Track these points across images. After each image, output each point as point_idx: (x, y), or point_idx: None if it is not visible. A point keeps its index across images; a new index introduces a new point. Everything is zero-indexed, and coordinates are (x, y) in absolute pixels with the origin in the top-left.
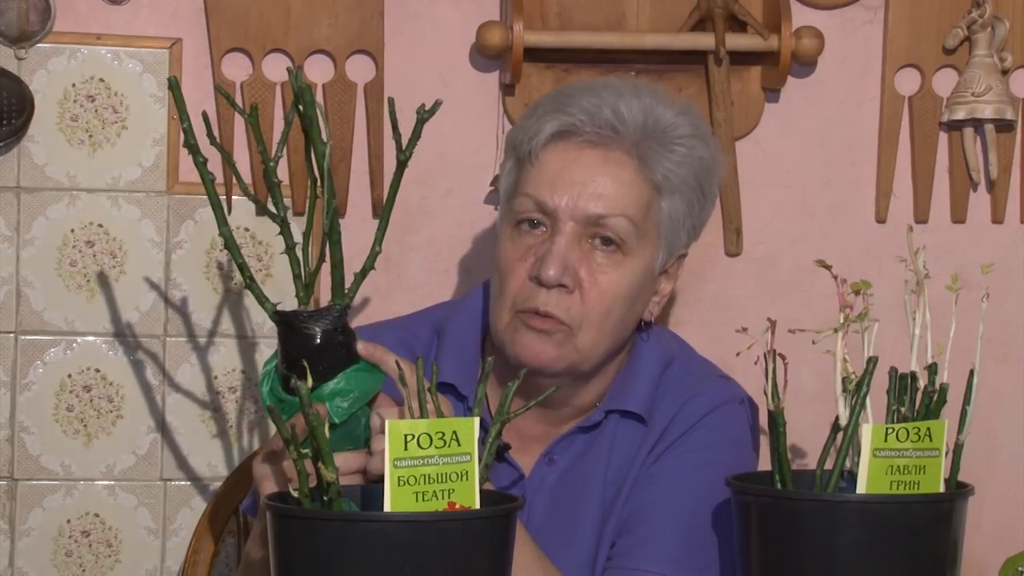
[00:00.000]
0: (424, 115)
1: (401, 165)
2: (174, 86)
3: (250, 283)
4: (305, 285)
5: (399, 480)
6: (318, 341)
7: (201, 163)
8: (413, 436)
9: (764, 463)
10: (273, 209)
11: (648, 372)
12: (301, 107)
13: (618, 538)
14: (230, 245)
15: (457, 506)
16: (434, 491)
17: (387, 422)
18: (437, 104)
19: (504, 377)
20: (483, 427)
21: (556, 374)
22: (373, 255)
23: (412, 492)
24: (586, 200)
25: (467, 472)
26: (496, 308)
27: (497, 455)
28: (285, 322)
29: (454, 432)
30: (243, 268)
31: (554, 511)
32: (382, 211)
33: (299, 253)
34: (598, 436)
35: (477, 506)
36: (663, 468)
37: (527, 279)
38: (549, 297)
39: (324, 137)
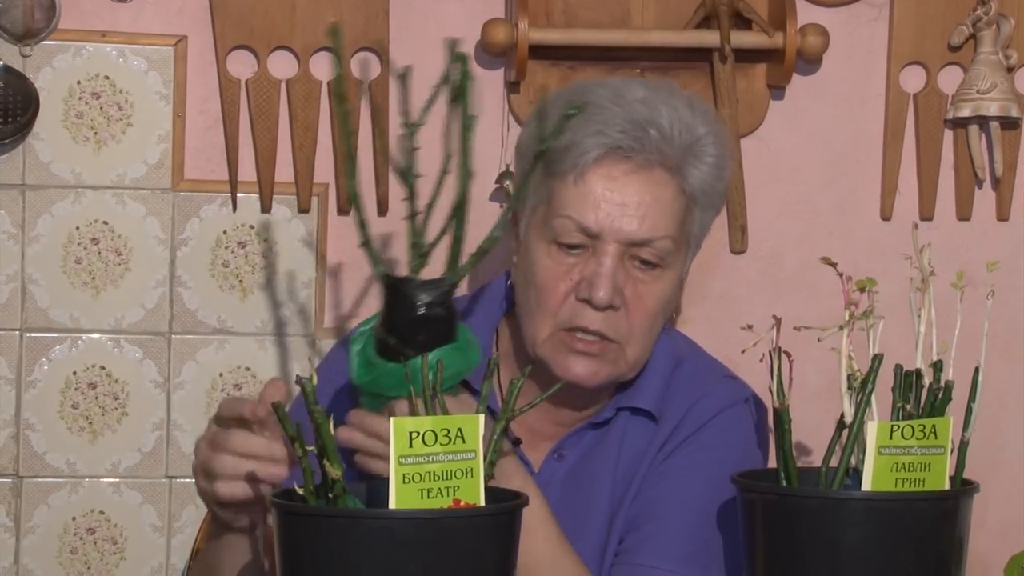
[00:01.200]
0: (571, 112)
1: (539, 155)
2: (335, 32)
3: (366, 243)
4: (421, 255)
5: (404, 477)
6: (422, 311)
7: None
8: (418, 433)
9: (770, 462)
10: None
11: (660, 371)
12: (456, 78)
13: (626, 534)
14: (355, 200)
15: (462, 503)
16: (439, 488)
17: (392, 420)
18: (581, 107)
19: (539, 381)
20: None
21: (600, 386)
22: (492, 239)
23: (417, 489)
24: (631, 223)
25: (472, 469)
26: (535, 322)
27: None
28: (393, 287)
29: (459, 429)
30: (363, 225)
31: (563, 506)
32: (512, 199)
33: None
34: (608, 432)
35: (482, 503)
36: (672, 466)
37: (572, 298)
38: (597, 317)
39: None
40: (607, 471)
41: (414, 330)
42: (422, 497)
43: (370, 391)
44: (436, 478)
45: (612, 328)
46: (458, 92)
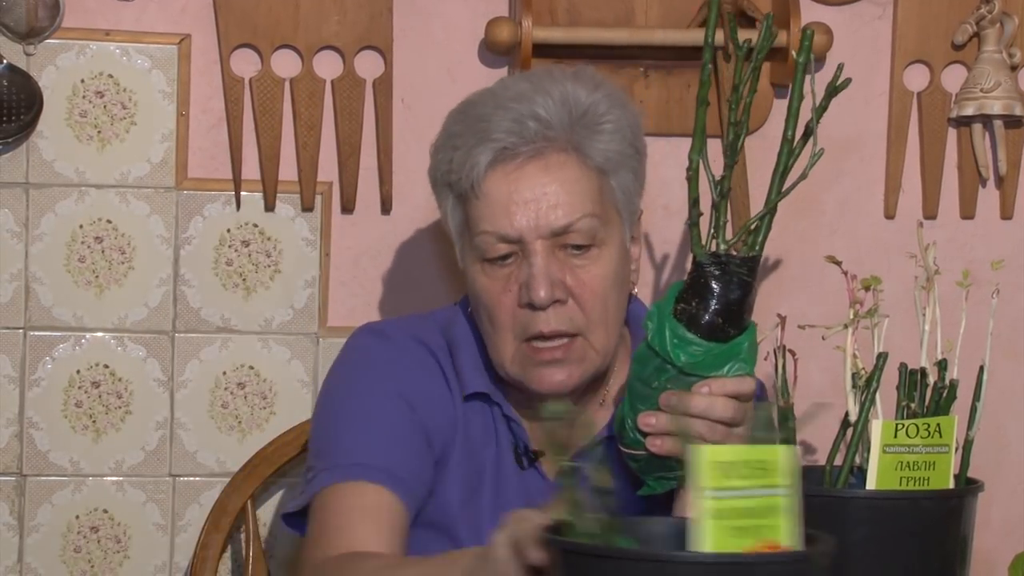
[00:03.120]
0: (837, 86)
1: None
2: None
3: (694, 223)
4: (751, 230)
5: (712, 513)
6: (748, 290)
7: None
8: (726, 465)
9: None
10: None
11: None
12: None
13: None
14: (693, 177)
15: (774, 546)
16: (745, 526)
17: (695, 448)
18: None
19: (528, 395)
20: (522, 444)
21: (578, 387)
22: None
23: (726, 527)
24: (545, 215)
25: (784, 506)
26: (495, 343)
27: (527, 461)
28: (723, 265)
29: (772, 461)
30: (695, 203)
31: None
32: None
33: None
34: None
35: (798, 546)
36: None
37: (518, 307)
38: (548, 316)
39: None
40: (623, 485)
41: (742, 309)
42: (729, 536)
43: (691, 372)
44: (744, 515)
45: (566, 322)
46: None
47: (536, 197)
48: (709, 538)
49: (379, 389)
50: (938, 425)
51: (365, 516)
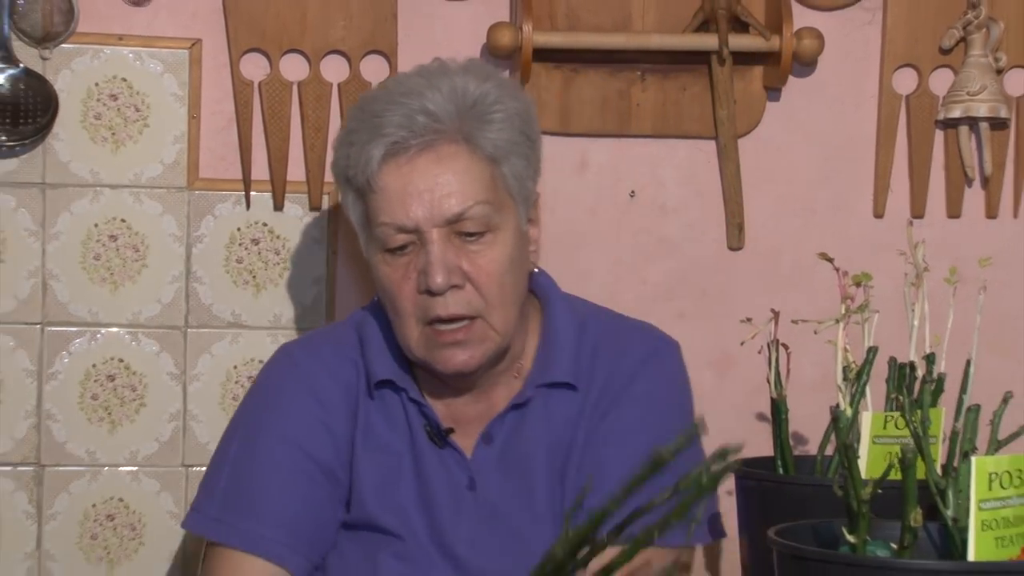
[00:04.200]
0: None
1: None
2: None
3: None
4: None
5: (983, 524)
6: None
7: None
8: (997, 475)
9: (767, 449)
10: None
11: (566, 340)
12: None
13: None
14: None
15: None
16: (1011, 536)
17: (974, 460)
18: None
19: (434, 376)
20: (433, 424)
21: (481, 366)
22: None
23: (993, 537)
24: (439, 204)
25: None
26: (400, 327)
27: (440, 439)
28: None
29: None
30: None
31: (506, 485)
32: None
33: None
34: (530, 411)
35: None
36: (612, 427)
37: (418, 293)
38: (447, 301)
39: None
40: (538, 447)
41: None
42: (997, 546)
43: None
44: (1010, 524)
45: (465, 306)
46: None
47: (429, 188)
48: (977, 549)
49: (270, 435)
50: (926, 416)
51: None
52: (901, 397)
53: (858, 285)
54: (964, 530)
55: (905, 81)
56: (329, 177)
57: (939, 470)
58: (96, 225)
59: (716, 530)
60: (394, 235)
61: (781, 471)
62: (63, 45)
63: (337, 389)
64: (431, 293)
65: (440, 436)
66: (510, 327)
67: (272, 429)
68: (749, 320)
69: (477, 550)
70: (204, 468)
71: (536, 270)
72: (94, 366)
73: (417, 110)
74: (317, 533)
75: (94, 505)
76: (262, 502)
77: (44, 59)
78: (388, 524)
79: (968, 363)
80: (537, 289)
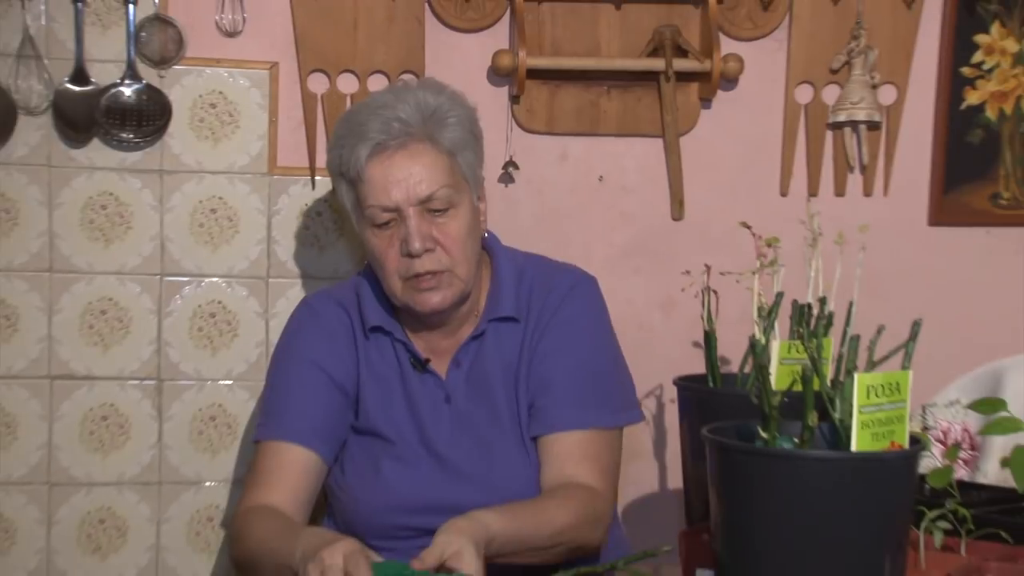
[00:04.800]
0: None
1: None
2: None
3: None
4: None
5: (862, 424)
6: None
7: None
8: (873, 387)
9: (701, 368)
10: None
11: (509, 284)
12: None
13: (531, 406)
14: None
15: (896, 445)
16: (883, 432)
17: (856, 376)
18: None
19: (414, 322)
20: (415, 356)
21: (451, 306)
22: None
23: (870, 433)
24: (413, 188)
25: (902, 416)
26: (387, 282)
27: (421, 366)
28: None
29: (896, 383)
30: None
31: (474, 397)
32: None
33: None
34: (486, 340)
35: (906, 445)
36: (550, 344)
37: (400, 256)
38: (423, 261)
39: None
40: (495, 367)
41: None
42: (873, 440)
43: None
44: (882, 424)
45: (436, 263)
46: None
47: (405, 176)
48: (859, 442)
49: (297, 359)
50: (819, 344)
51: (272, 474)
52: (801, 330)
53: (769, 246)
54: (848, 428)
55: (804, 94)
56: None
57: (829, 384)
58: (200, 201)
59: (631, 417)
60: (380, 214)
61: (712, 385)
62: (175, 67)
63: (343, 329)
64: (411, 256)
65: (421, 364)
66: (471, 276)
67: (297, 355)
68: (688, 273)
69: (454, 449)
70: None
71: (486, 234)
72: (199, 306)
73: (392, 118)
74: (334, 430)
75: (200, 410)
76: (293, 406)
77: (161, 77)
78: (386, 432)
79: (851, 304)
80: (487, 246)
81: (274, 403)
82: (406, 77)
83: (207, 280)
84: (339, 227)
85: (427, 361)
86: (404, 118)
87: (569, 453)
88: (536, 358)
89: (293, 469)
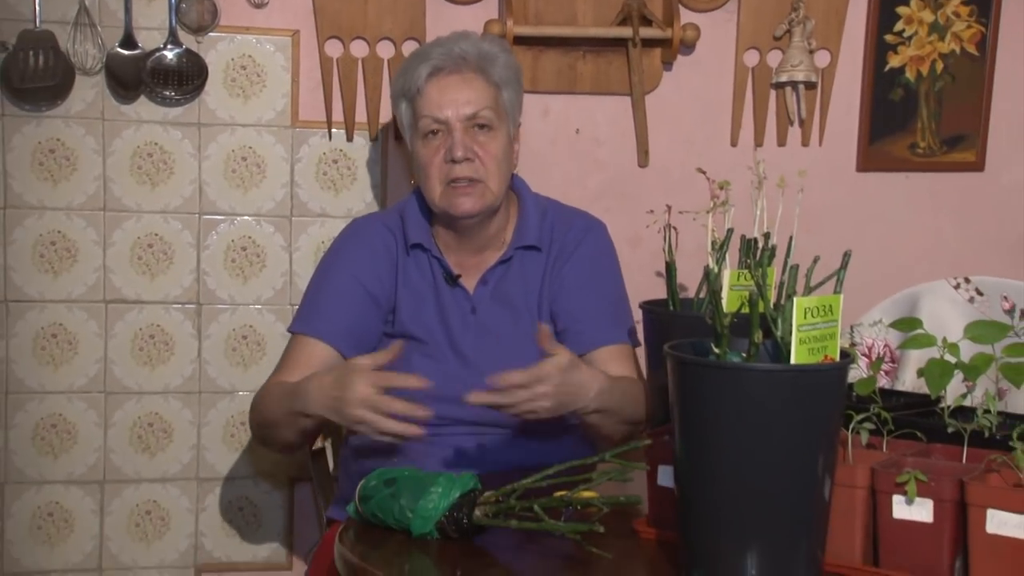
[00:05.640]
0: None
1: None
2: None
3: None
4: None
5: (800, 341)
6: None
7: None
8: (810, 309)
9: (663, 294)
10: None
11: (534, 219)
12: None
13: (565, 331)
14: None
15: (829, 358)
16: (818, 347)
17: (794, 299)
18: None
19: (448, 226)
20: (447, 271)
21: (480, 213)
22: None
23: (807, 349)
24: (462, 106)
25: (834, 334)
26: (429, 186)
27: (452, 281)
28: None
29: (829, 306)
30: None
31: (497, 312)
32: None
33: None
34: (512, 265)
35: (838, 359)
36: (574, 279)
37: (443, 163)
38: (463, 168)
39: None
40: (517, 289)
41: None
42: (809, 355)
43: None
44: (817, 340)
45: (474, 171)
46: None
47: (456, 96)
48: (798, 355)
49: (338, 270)
50: (764, 272)
51: (298, 363)
52: (748, 260)
53: (721, 189)
54: (788, 345)
55: (751, 58)
56: (383, 119)
57: (772, 307)
58: (233, 151)
59: (636, 341)
60: (431, 124)
61: (672, 308)
62: (210, 34)
63: (384, 248)
64: (453, 161)
65: (452, 279)
66: (500, 193)
67: (338, 267)
68: (652, 212)
69: (477, 352)
70: None
71: (515, 174)
72: (233, 241)
73: (452, 49)
74: (362, 336)
75: (234, 329)
76: (327, 310)
77: (198, 42)
78: (418, 334)
79: (791, 239)
80: (515, 187)
81: (310, 304)
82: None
83: (239, 218)
84: (353, 172)
85: (458, 276)
86: (462, 51)
87: (613, 360)
88: (563, 290)
89: (316, 361)
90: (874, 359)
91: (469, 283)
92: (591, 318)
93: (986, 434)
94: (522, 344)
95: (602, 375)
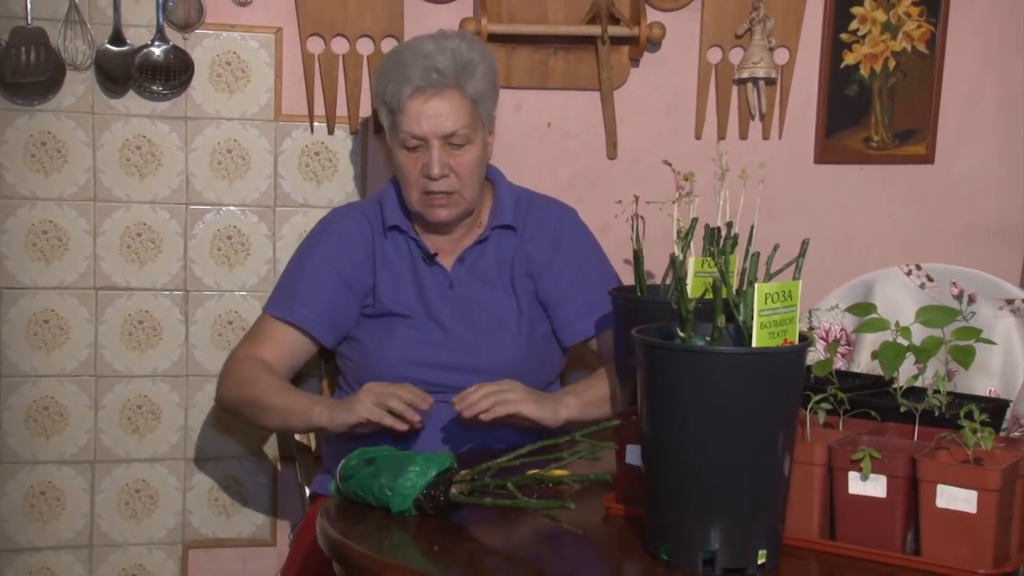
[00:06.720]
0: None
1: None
2: None
3: None
4: None
5: (761, 325)
6: None
7: None
8: (770, 295)
9: (631, 280)
10: None
11: (509, 202)
12: None
13: (560, 311)
14: None
15: (788, 342)
16: (778, 332)
17: (757, 286)
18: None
19: (425, 225)
20: (424, 250)
21: (455, 220)
22: None
23: (767, 333)
24: (440, 125)
25: (793, 319)
26: (407, 193)
27: (429, 259)
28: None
29: (789, 291)
30: None
31: (473, 287)
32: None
33: None
34: (488, 245)
35: (797, 341)
36: (564, 259)
37: (421, 176)
38: (439, 183)
39: None
40: (492, 265)
41: None
42: (770, 338)
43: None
44: (777, 325)
45: (449, 186)
46: None
47: (435, 115)
48: (759, 339)
49: (315, 257)
50: (727, 260)
51: (273, 341)
52: (712, 248)
53: (686, 180)
54: (750, 329)
55: (714, 55)
56: (363, 113)
57: (735, 292)
58: (219, 143)
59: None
60: (410, 139)
61: (639, 294)
62: (196, 31)
63: (359, 232)
64: (430, 178)
65: (430, 258)
66: (474, 198)
67: (313, 253)
68: (620, 202)
69: (456, 322)
70: None
71: (491, 164)
72: (218, 230)
73: (432, 67)
74: (335, 321)
75: (220, 315)
76: (300, 294)
77: (185, 39)
78: (398, 310)
79: (752, 227)
80: (491, 176)
81: (284, 287)
82: (445, 29)
83: (224, 208)
84: (334, 164)
85: (435, 255)
86: (441, 68)
87: (596, 352)
88: (548, 274)
89: (286, 342)
90: (831, 342)
91: (447, 261)
92: (577, 305)
93: (936, 413)
94: (498, 312)
95: (570, 398)
